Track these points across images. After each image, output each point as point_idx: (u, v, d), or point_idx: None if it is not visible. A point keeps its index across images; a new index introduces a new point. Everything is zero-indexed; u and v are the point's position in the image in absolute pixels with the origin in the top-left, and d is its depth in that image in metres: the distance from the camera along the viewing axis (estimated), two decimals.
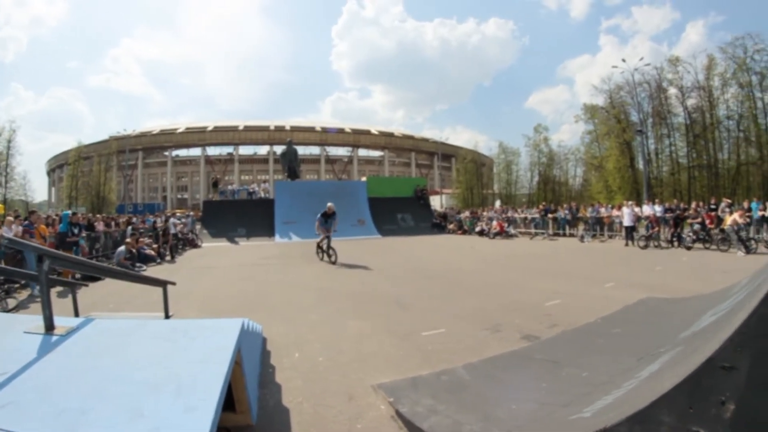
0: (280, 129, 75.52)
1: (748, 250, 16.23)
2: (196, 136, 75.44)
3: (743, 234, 16.81)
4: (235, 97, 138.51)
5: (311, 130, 79.09)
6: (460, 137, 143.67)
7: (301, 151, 53.40)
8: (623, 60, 45.75)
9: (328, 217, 15.81)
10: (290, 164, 36.94)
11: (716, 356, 2.32)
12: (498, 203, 41.94)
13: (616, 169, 45.50)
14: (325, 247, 15.83)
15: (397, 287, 10.56)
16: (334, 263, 14.87)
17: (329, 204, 15.97)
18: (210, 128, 76.64)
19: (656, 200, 25.64)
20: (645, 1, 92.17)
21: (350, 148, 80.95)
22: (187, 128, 77.54)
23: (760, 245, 17.20)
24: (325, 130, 79.66)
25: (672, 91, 44.57)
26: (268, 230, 28.90)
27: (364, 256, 14.90)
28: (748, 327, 2.27)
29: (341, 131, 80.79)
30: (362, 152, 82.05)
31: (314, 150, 78.59)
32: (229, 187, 40.75)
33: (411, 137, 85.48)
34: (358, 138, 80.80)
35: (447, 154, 77.38)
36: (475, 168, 59.67)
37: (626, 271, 12.72)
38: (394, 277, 12.22)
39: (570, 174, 55.38)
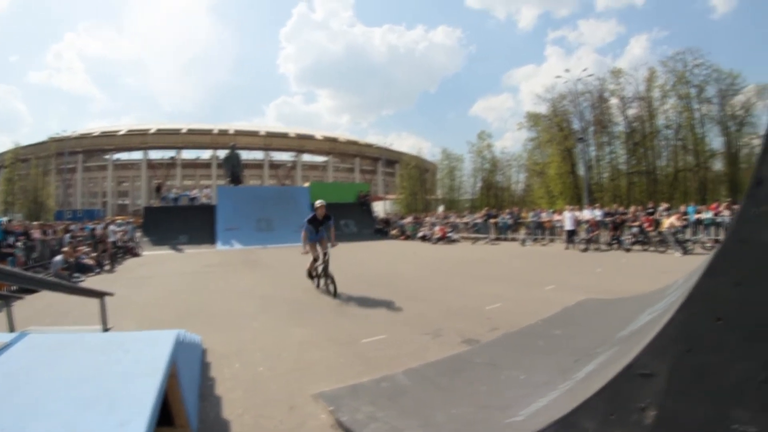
0: (223, 133, 73.89)
1: (685, 251, 17.12)
2: (138, 139, 72.89)
3: (680, 236, 17.72)
4: (179, 98, 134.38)
5: (255, 134, 77.98)
6: (404, 143, 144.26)
7: (245, 155, 52.70)
8: (567, 70, 47.44)
9: (319, 224, 10.67)
10: (233, 169, 36.64)
11: (635, 363, 2.43)
12: (441, 208, 42.50)
13: (558, 175, 46.86)
14: (320, 270, 10.79)
15: (338, 294, 10.50)
16: (335, 295, 9.99)
17: (318, 202, 10.65)
18: (152, 131, 74.11)
19: (597, 205, 26.62)
20: (592, 15, 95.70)
21: (294, 153, 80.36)
22: (129, 130, 74.78)
23: (697, 246, 18.11)
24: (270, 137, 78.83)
25: (613, 101, 46.59)
26: (210, 237, 28.34)
27: (305, 262, 14.19)
28: (665, 334, 2.36)
29: (285, 136, 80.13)
30: (306, 157, 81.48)
31: (258, 155, 77.61)
32: (174, 191, 40.05)
33: (355, 143, 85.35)
34: (302, 143, 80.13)
35: (391, 159, 77.57)
36: (419, 174, 60.04)
37: (567, 274, 13.10)
38: (335, 283, 12.18)
39: (513, 180, 56.47)
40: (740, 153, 40.80)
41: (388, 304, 9.19)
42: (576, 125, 47.89)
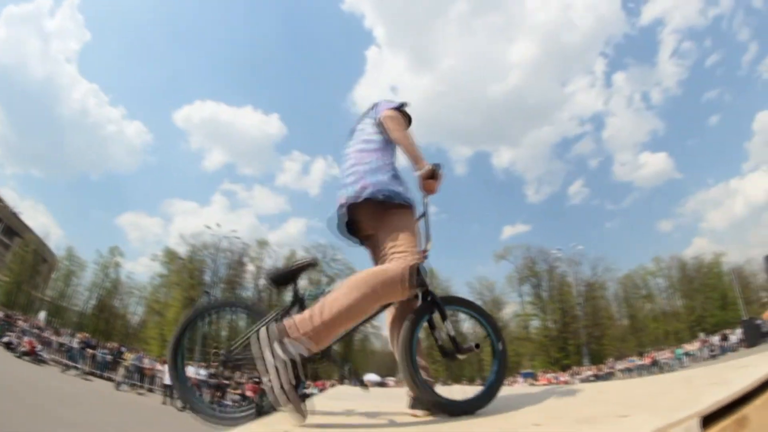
0: None
1: None
2: None
3: None
4: None
5: None
6: (38, 218, 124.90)
7: None
8: (218, 225, 48.33)
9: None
10: None
11: None
12: (42, 315, 36.89)
13: (175, 320, 45.80)
14: None
15: None
16: None
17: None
18: None
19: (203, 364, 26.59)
20: (269, 184, 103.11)
21: None
22: None
23: None
24: None
25: (251, 267, 50.83)
26: None
27: None
28: None
29: None
30: None
31: None
32: None
33: None
34: None
35: (14, 230, 65.57)
36: (34, 262, 52.20)
37: None
38: None
39: (130, 309, 53.22)
40: None
41: None
42: (208, 277, 49.58)
